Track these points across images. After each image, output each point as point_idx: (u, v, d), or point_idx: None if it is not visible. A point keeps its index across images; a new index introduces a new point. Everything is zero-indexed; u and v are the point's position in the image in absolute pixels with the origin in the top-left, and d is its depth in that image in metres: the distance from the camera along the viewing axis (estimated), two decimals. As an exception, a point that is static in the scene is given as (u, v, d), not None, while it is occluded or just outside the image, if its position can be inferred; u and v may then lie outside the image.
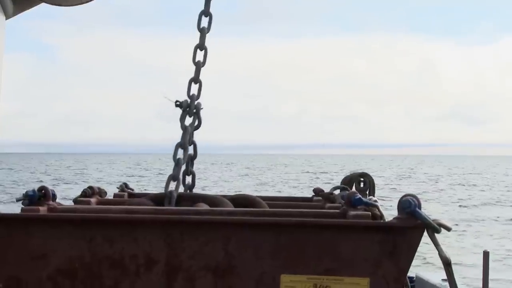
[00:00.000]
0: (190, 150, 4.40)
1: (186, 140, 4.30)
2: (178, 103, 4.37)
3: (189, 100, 4.37)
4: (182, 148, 4.30)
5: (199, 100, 4.44)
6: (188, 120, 4.40)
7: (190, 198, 4.11)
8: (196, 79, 4.49)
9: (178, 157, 4.26)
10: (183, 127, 4.34)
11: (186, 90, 4.42)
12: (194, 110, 4.37)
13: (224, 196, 4.02)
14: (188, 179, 4.55)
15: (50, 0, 5.02)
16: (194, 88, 4.49)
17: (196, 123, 4.40)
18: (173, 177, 4.17)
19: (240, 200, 4.04)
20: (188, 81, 4.46)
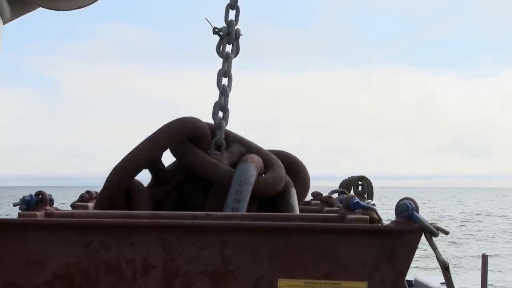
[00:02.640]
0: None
1: (229, 68, 4.24)
2: (216, 29, 4.26)
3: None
4: (225, 76, 4.25)
5: (237, 26, 4.30)
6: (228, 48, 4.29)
7: (240, 141, 4.12)
8: (233, 5, 4.33)
9: (223, 84, 4.21)
10: (224, 55, 4.26)
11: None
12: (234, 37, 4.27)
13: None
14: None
15: (47, 4, 5.02)
16: (232, 14, 4.35)
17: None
18: (221, 107, 4.15)
19: (283, 158, 4.06)
20: (225, 7, 4.31)
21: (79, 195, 4.08)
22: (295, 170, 4.11)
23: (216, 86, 4.24)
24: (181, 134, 3.88)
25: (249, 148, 4.07)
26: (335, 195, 4.31)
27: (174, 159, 4.08)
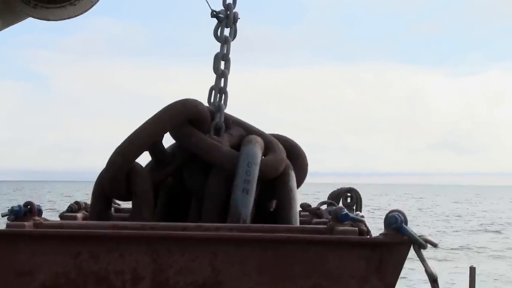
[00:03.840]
0: None
1: (228, 52, 4.22)
2: (215, 12, 4.24)
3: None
4: (223, 60, 4.23)
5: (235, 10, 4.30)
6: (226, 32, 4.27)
7: (239, 124, 4.11)
8: None
9: (221, 67, 4.18)
10: (223, 39, 4.24)
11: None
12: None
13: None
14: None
15: (38, 14, 5.02)
16: None
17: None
18: (220, 90, 4.16)
19: (282, 142, 4.05)
20: None
21: (68, 206, 4.06)
22: (294, 154, 4.11)
23: (212, 70, 4.22)
24: (183, 116, 3.86)
25: (249, 130, 4.06)
26: (324, 207, 4.31)
27: (172, 142, 4.06)
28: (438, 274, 2.94)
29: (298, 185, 4.06)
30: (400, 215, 2.94)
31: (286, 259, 2.99)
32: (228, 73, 4.26)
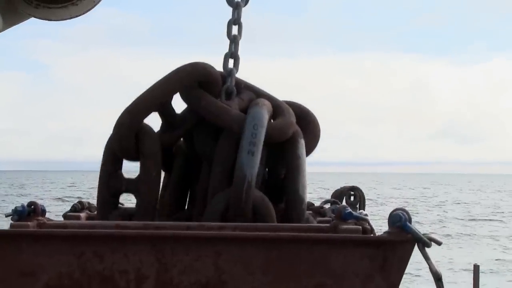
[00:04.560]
0: None
1: (239, 17, 4.21)
2: None
3: None
4: (235, 24, 4.21)
5: None
6: None
7: (250, 88, 4.09)
8: None
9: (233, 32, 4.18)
10: (234, 3, 4.21)
11: None
12: None
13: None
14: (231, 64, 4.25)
15: (40, 14, 5.02)
16: None
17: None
18: (231, 55, 4.12)
19: (294, 108, 4.03)
20: None
21: (71, 205, 4.07)
22: (305, 120, 4.08)
23: (226, 36, 4.21)
24: (192, 78, 3.86)
25: (259, 94, 4.05)
26: (327, 205, 4.31)
27: (185, 106, 4.05)
28: (442, 273, 2.94)
29: (310, 152, 4.05)
30: (404, 213, 2.94)
31: (290, 258, 2.99)
32: (240, 38, 4.22)
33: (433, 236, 2.94)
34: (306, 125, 4.06)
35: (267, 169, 3.88)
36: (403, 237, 2.93)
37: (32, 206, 3.30)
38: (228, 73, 4.06)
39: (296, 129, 3.90)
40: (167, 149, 4.05)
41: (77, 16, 5.08)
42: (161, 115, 3.99)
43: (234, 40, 4.18)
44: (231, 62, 4.14)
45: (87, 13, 5.09)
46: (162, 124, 4.03)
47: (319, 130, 4.14)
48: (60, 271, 3.03)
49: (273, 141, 3.78)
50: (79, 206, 4.03)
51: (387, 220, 2.97)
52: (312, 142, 4.08)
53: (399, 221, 2.92)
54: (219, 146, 3.82)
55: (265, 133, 3.70)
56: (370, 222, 3.23)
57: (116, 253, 3.03)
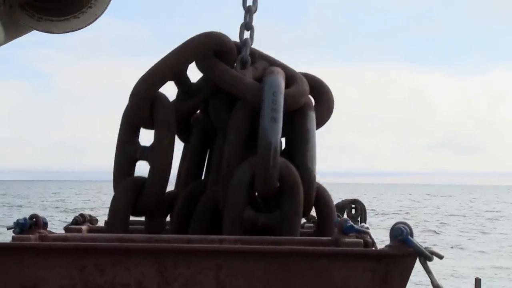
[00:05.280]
0: None
1: None
2: None
3: None
4: None
5: None
6: None
7: (264, 58, 4.12)
8: None
9: (248, 4, 4.22)
10: None
11: None
12: None
13: None
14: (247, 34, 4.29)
15: (42, 27, 5.04)
16: None
17: None
18: (246, 25, 4.16)
19: (308, 79, 4.04)
20: None
21: (73, 218, 4.07)
22: (319, 91, 4.10)
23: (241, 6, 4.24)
24: (206, 47, 3.90)
25: (273, 64, 4.06)
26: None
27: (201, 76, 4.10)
28: (444, 287, 2.94)
29: (323, 123, 4.08)
30: (406, 227, 2.94)
31: (291, 271, 2.98)
32: (255, 9, 4.26)
33: (434, 250, 2.94)
34: (320, 96, 4.10)
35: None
36: (405, 251, 2.93)
37: (34, 219, 3.30)
38: (243, 43, 4.11)
39: (307, 100, 3.94)
40: (186, 120, 4.13)
41: (79, 29, 5.10)
42: (177, 84, 4.05)
43: (248, 11, 4.22)
44: (246, 33, 4.19)
45: (88, 26, 5.11)
46: (178, 93, 4.09)
47: (332, 102, 4.15)
48: (61, 284, 3.03)
49: (289, 109, 3.79)
50: (80, 219, 4.04)
51: (388, 233, 2.97)
52: (325, 114, 4.10)
53: (401, 234, 2.92)
54: (233, 114, 3.85)
55: None
56: (372, 235, 3.23)
57: (118, 266, 3.02)
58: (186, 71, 4.03)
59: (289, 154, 3.83)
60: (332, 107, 4.14)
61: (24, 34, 5.32)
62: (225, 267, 3.00)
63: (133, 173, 3.92)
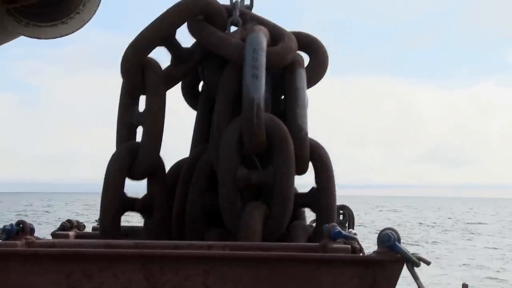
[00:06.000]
0: None
1: None
2: None
3: None
4: None
5: None
6: None
7: (255, 19, 4.10)
8: None
9: None
10: None
11: None
12: None
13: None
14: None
15: (30, 33, 5.02)
16: None
17: None
18: None
19: (301, 37, 4.04)
20: None
21: (60, 224, 4.04)
22: (313, 48, 4.09)
23: None
24: (192, 11, 3.91)
25: (263, 24, 4.05)
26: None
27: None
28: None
29: (318, 79, 4.09)
30: (393, 233, 2.94)
31: (279, 277, 2.98)
32: None
33: (422, 255, 2.95)
34: (314, 53, 4.10)
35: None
36: (392, 257, 2.93)
37: (21, 225, 3.27)
38: (233, 5, 4.11)
39: (296, 58, 3.94)
40: (194, 88, 4.24)
41: (67, 35, 5.09)
42: (168, 49, 4.06)
43: None
44: None
45: (76, 32, 5.10)
46: (171, 58, 4.10)
47: (327, 58, 4.14)
48: None
49: (273, 65, 3.81)
50: (67, 225, 4.01)
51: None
52: (319, 70, 4.11)
53: (388, 241, 2.93)
54: (223, 75, 3.88)
55: (266, 57, 3.73)
56: (359, 241, 3.24)
57: (105, 272, 3.01)
58: (175, 35, 4.03)
59: (283, 114, 3.85)
60: (327, 64, 4.13)
61: (12, 39, 5.31)
62: (213, 273, 2.99)
63: (134, 139, 3.97)
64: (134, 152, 3.80)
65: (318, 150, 3.84)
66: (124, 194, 3.80)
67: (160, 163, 3.91)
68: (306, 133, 3.79)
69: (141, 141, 3.85)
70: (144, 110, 3.89)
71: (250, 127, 3.60)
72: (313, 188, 3.89)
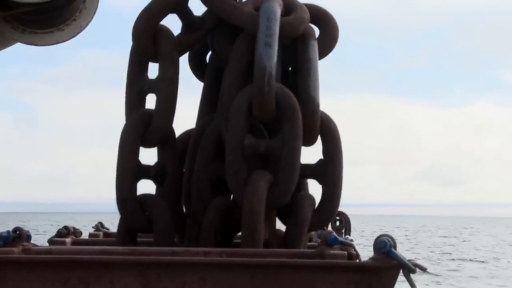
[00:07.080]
0: None
1: None
2: None
3: None
4: None
5: None
6: None
7: None
8: None
9: None
10: None
11: None
12: None
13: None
14: None
15: (26, 39, 5.01)
16: None
17: None
18: None
19: (312, 9, 4.01)
20: None
21: (57, 231, 4.04)
22: (323, 21, 4.08)
23: None
24: None
25: None
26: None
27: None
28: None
29: (327, 52, 4.09)
30: (389, 239, 2.95)
31: (275, 283, 2.99)
32: None
33: (418, 262, 2.96)
34: (324, 26, 4.09)
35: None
36: (388, 263, 2.94)
37: (17, 232, 3.27)
38: None
39: (308, 29, 3.94)
40: (200, 58, 4.24)
41: (63, 41, 5.08)
42: (180, 17, 4.06)
43: None
44: None
45: (72, 38, 5.09)
46: (182, 26, 4.11)
47: (337, 31, 4.14)
48: None
49: (285, 35, 3.82)
50: (64, 231, 4.01)
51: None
52: (329, 43, 4.10)
53: (384, 247, 2.94)
54: (235, 44, 3.88)
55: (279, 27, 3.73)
56: (356, 247, 3.24)
57: (102, 279, 3.01)
58: (187, 2, 4.03)
59: (295, 85, 3.85)
60: (337, 36, 4.13)
61: (8, 46, 5.30)
62: (210, 280, 2.99)
63: (144, 106, 3.96)
64: (148, 119, 3.81)
65: (328, 123, 3.84)
66: (139, 161, 3.81)
67: (172, 130, 3.94)
68: (318, 105, 3.79)
69: (155, 108, 3.85)
70: (158, 77, 3.90)
71: (261, 95, 3.61)
72: (320, 160, 3.87)
